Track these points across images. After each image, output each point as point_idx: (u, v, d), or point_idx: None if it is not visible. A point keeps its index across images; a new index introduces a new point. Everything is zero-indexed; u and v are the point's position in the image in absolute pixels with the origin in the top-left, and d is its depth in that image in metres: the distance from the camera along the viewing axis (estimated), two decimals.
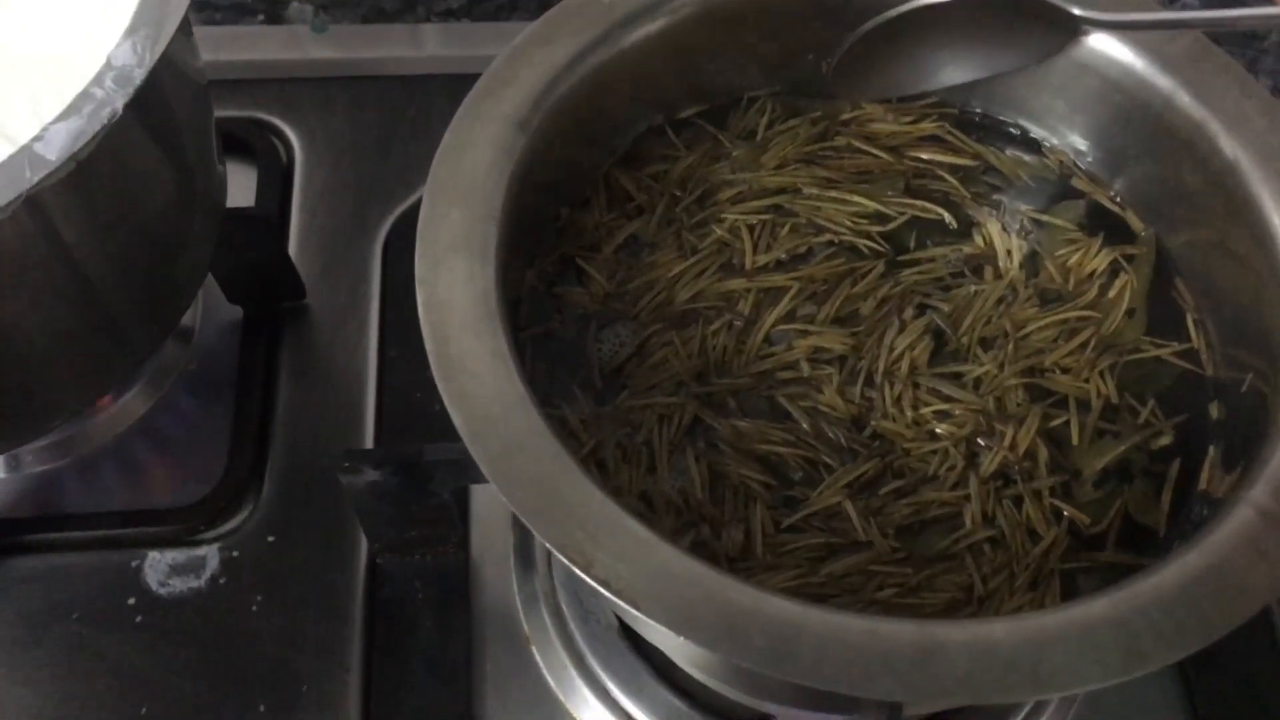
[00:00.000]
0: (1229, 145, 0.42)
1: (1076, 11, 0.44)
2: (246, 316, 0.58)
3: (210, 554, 0.52)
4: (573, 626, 0.50)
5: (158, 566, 0.52)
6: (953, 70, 0.47)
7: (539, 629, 0.50)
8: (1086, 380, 0.43)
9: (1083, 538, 0.40)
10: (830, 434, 0.42)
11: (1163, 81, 0.43)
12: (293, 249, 0.60)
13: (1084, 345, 0.43)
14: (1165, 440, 0.42)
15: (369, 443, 0.55)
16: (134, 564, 0.52)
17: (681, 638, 0.32)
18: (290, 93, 0.66)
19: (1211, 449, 0.41)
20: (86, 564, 0.52)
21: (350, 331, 0.58)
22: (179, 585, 0.52)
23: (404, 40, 0.68)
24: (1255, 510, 0.34)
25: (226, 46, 0.66)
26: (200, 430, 0.56)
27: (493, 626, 0.51)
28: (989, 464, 0.41)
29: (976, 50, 0.46)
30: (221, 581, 0.52)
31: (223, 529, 0.53)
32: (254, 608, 0.51)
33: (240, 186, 0.60)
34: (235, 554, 0.52)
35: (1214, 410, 0.42)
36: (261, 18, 0.68)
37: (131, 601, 0.51)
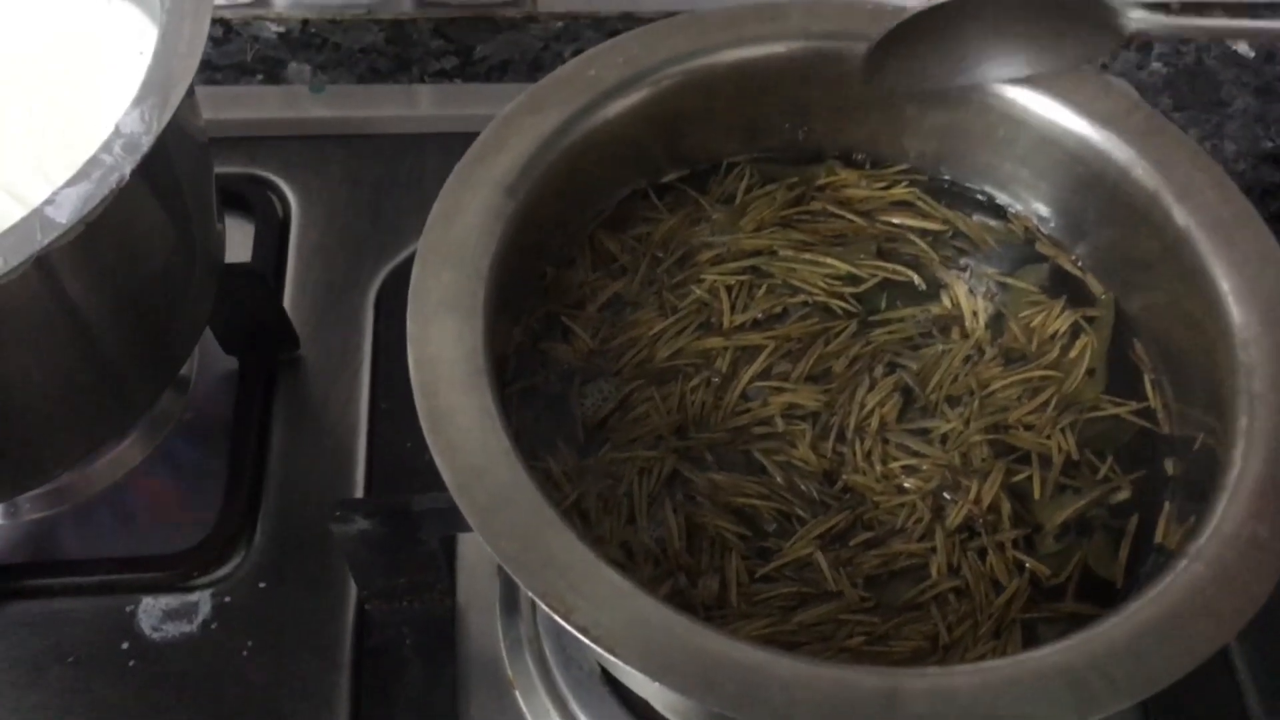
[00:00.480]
0: (1181, 215, 0.44)
1: (1122, 9, 0.44)
2: (242, 368, 0.60)
3: (203, 599, 0.53)
4: (556, 672, 0.51)
5: (152, 612, 0.53)
6: (990, 67, 0.47)
7: (523, 674, 0.52)
8: (1048, 437, 0.44)
9: (1044, 589, 0.41)
10: (803, 487, 0.43)
11: (1120, 154, 0.45)
12: (288, 303, 0.62)
13: (1046, 403, 0.45)
14: (1123, 495, 0.43)
15: (359, 492, 0.56)
16: (128, 609, 0.53)
17: (657, 683, 0.34)
18: (287, 151, 0.67)
19: (1167, 504, 0.43)
20: (82, 609, 0.53)
21: (343, 384, 0.60)
22: (172, 630, 0.53)
23: (398, 100, 0.70)
24: (1203, 563, 0.36)
25: (226, 106, 0.68)
26: (195, 478, 0.58)
27: (478, 672, 0.52)
28: (954, 517, 0.43)
29: (1016, 48, 0.46)
30: (214, 626, 0.53)
31: (216, 575, 0.54)
32: (245, 652, 0.52)
33: (238, 241, 0.62)
34: (228, 600, 0.53)
35: (1170, 466, 0.44)
36: (261, 78, 0.70)
37: (125, 646, 0.52)
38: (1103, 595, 0.41)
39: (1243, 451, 0.38)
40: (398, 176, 0.67)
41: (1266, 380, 0.39)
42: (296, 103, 0.69)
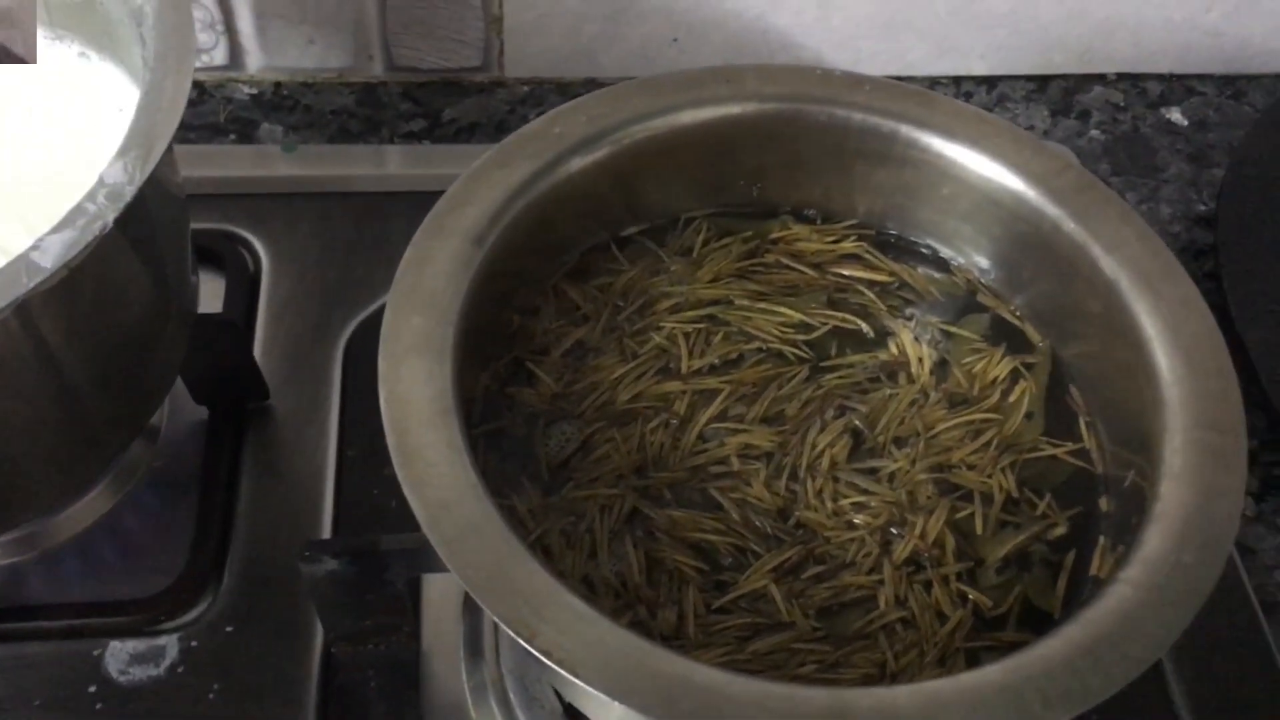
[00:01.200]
0: (1109, 266, 0.46)
1: None
2: (212, 416, 0.61)
3: (170, 644, 0.54)
4: (519, 714, 0.52)
5: (118, 656, 0.54)
6: None
7: (486, 715, 0.53)
8: (989, 476, 0.47)
9: (986, 619, 0.43)
10: (757, 523, 0.45)
11: (1052, 210, 0.48)
12: (258, 353, 0.63)
13: (987, 444, 0.47)
14: (1060, 531, 0.46)
15: (327, 535, 0.57)
16: (96, 653, 0.53)
17: (618, 703, 0.35)
18: (259, 208, 0.69)
19: (1102, 539, 0.45)
20: (49, 653, 0.53)
21: (311, 432, 0.61)
22: (139, 674, 0.53)
23: (368, 160, 0.72)
24: (1132, 588, 0.38)
25: (200, 164, 0.69)
26: (164, 525, 0.58)
27: (442, 715, 0.53)
28: (901, 551, 0.45)
29: None
30: (180, 670, 0.53)
31: (183, 620, 0.55)
32: (211, 695, 0.53)
33: (210, 294, 0.63)
34: (194, 644, 0.54)
35: (1104, 504, 0.46)
36: (234, 137, 0.72)
37: (92, 689, 0.52)
38: (1041, 625, 0.43)
39: (1168, 485, 0.41)
40: (366, 233, 0.68)
41: (1190, 418, 0.42)
42: (268, 162, 0.71)
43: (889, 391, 0.49)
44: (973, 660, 0.42)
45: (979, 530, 0.45)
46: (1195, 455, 0.41)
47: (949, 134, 0.50)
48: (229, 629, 0.55)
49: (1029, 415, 0.48)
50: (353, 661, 0.54)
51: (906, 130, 0.50)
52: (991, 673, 0.36)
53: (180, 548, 0.57)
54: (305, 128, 0.72)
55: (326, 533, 0.58)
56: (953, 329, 0.51)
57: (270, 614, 0.55)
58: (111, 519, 0.58)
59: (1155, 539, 0.39)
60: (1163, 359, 0.44)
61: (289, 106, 0.74)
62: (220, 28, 0.70)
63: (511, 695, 0.53)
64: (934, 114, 0.50)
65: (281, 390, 0.62)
